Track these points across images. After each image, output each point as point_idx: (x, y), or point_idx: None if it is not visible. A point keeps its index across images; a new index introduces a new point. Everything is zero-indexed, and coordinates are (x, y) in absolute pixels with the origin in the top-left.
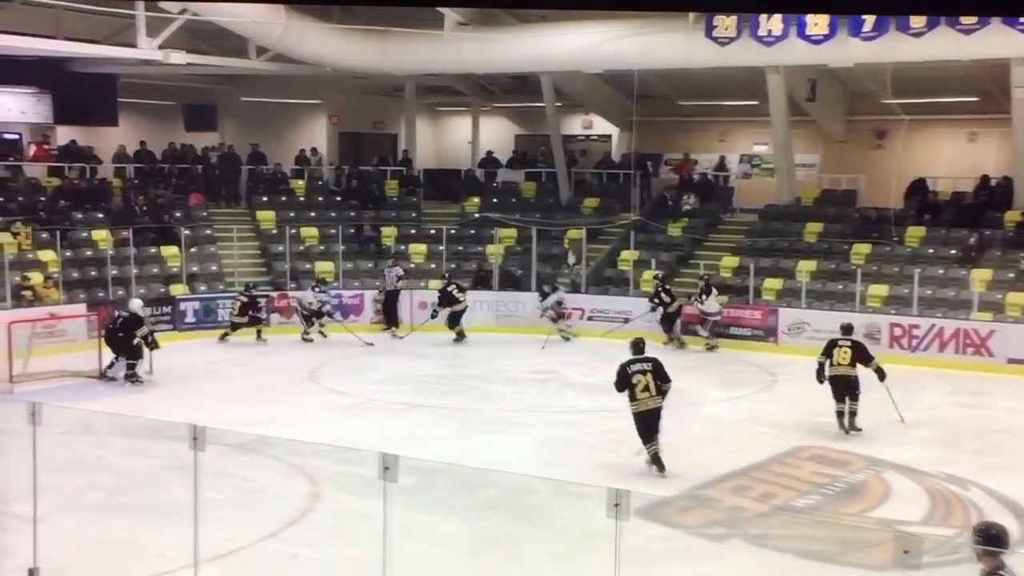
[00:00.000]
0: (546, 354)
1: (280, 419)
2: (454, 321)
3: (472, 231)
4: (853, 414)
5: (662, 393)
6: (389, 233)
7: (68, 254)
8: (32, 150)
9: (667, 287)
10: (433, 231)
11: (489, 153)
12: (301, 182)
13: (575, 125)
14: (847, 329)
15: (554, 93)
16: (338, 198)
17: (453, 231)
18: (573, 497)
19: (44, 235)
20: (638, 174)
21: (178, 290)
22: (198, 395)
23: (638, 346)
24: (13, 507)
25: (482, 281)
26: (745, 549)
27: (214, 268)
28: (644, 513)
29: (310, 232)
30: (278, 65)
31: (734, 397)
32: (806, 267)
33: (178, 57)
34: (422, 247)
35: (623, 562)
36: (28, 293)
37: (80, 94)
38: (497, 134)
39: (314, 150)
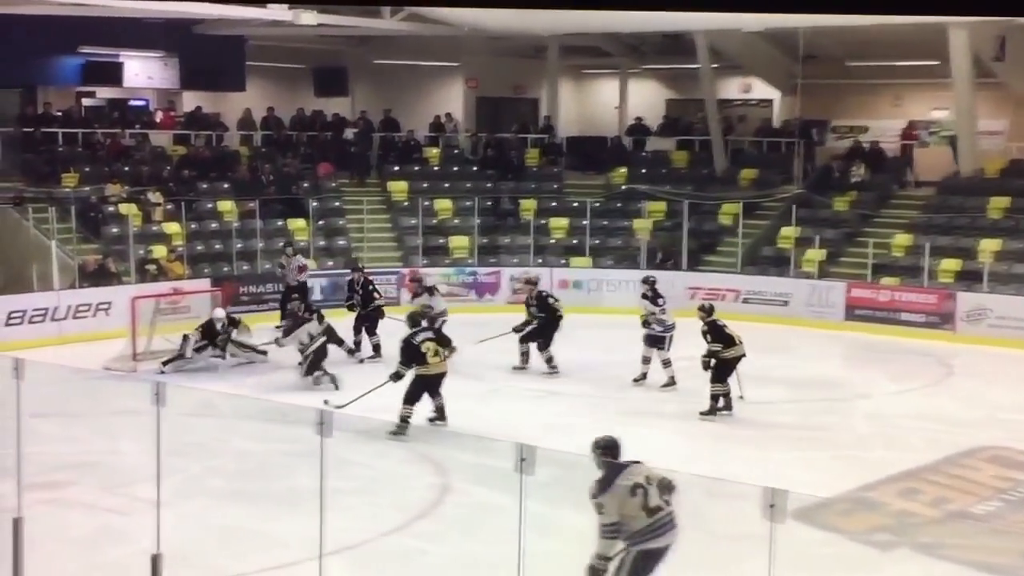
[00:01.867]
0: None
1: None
2: (542, 339)
3: (618, 204)
4: None
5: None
6: (528, 206)
7: (193, 226)
8: (160, 117)
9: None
10: (575, 204)
11: (637, 119)
12: (435, 150)
13: (732, 89)
14: None
15: (710, 53)
16: (474, 168)
17: (597, 204)
18: (723, 496)
19: (169, 206)
20: (801, 143)
21: (309, 264)
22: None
23: (415, 319)
24: (137, 490)
25: (629, 259)
26: (913, 559)
27: (342, 242)
28: (802, 515)
29: (444, 204)
30: (413, 25)
31: (904, 390)
32: (989, 246)
33: (308, 18)
34: (563, 221)
35: (778, 568)
36: (152, 267)
37: (207, 58)
38: (646, 99)
39: (449, 116)
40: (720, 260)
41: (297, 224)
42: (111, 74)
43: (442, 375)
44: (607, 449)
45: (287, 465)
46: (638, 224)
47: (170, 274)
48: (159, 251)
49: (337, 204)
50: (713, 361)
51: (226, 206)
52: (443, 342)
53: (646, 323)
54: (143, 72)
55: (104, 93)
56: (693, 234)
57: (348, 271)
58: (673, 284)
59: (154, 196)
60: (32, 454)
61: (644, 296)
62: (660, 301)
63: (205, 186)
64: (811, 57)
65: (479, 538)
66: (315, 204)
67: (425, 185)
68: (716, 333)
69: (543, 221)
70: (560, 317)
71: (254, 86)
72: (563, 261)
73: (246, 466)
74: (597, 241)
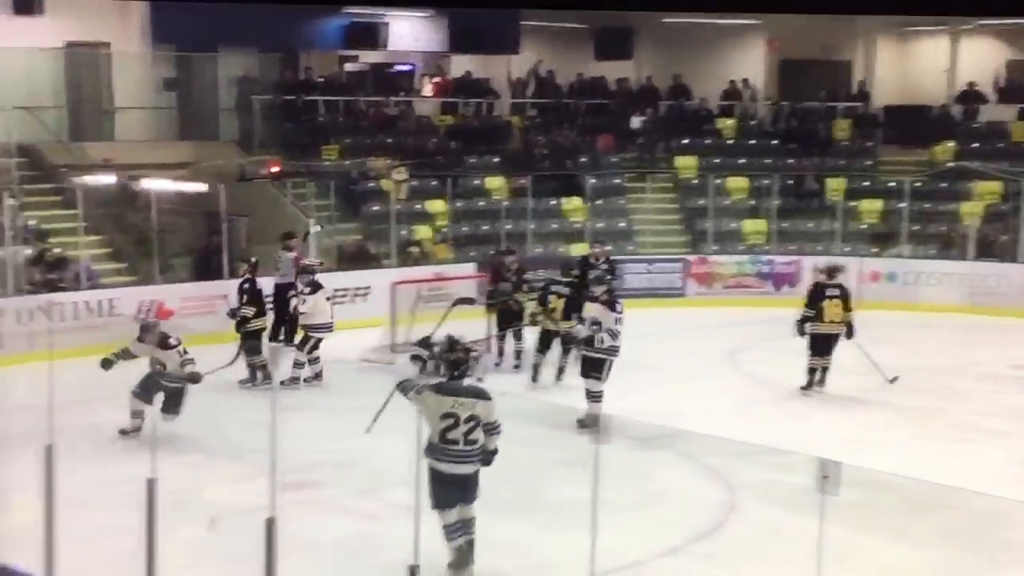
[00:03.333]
0: None
1: (693, 410)
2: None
3: (943, 184)
4: None
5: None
6: (837, 186)
7: (458, 204)
8: (427, 85)
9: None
10: (892, 184)
11: (970, 85)
12: (730, 121)
13: None
14: None
15: None
16: (774, 142)
17: (918, 184)
18: None
19: (434, 182)
20: None
21: (580, 250)
22: None
23: None
24: (391, 495)
25: (953, 249)
26: None
27: (622, 225)
28: None
29: (738, 183)
30: None
31: None
32: None
33: None
34: (876, 203)
35: None
36: (415, 250)
37: (478, 17)
38: (982, 60)
39: (746, 82)
40: None
41: (572, 204)
42: (375, 36)
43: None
44: (455, 364)
45: (556, 473)
46: (966, 208)
47: (432, 257)
48: (422, 232)
49: (617, 182)
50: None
51: (495, 182)
52: None
53: None
54: (409, 34)
55: (367, 58)
56: None
57: (623, 258)
58: (1009, 280)
59: (398, 173)
60: (286, 451)
61: None
62: None
63: (473, 160)
64: None
65: (769, 564)
66: (593, 181)
67: (717, 161)
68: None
69: (853, 203)
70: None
71: (528, 48)
72: (875, 250)
73: (510, 472)
74: (916, 227)
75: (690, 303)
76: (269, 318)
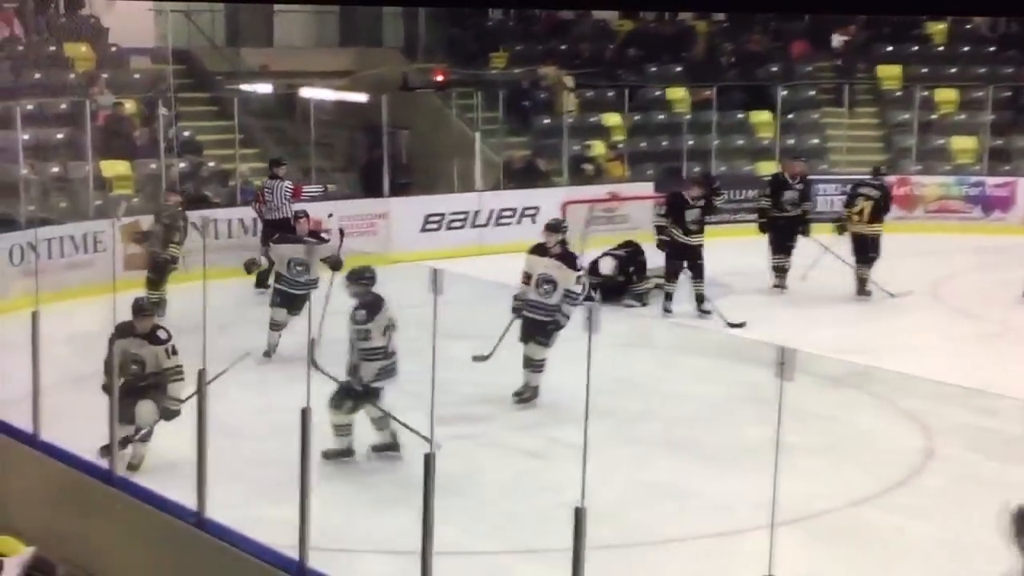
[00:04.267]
0: None
1: (888, 346)
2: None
3: None
4: None
5: None
6: None
7: (636, 118)
8: None
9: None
10: None
11: None
12: (940, 26)
13: None
14: None
15: None
16: (991, 48)
17: None
18: None
19: (610, 93)
20: None
21: (767, 169)
22: (781, 305)
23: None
24: (559, 432)
25: None
26: None
27: (815, 141)
28: None
29: (946, 96)
30: None
31: None
32: None
33: None
34: None
35: None
36: (588, 167)
37: None
38: None
39: None
40: None
41: (760, 118)
42: None
43: None
44: (371, 280)
45: (736, 413)
46: None
47: (607, 175)
48: (597, 148)
49: (811, 94)
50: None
51: (677, 94)
52: None
53: None
54: None
55: None
56: None
57: (816, 178)
58: None
59: (564, 78)
60: (447, 382)
61: None
62: None
63: (654, 69)
64: None
65: (970, 517)
66: (784, 93)
67: (924, 71)
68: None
69: None
70: None
71: None
72: None
73: (686, 412)
74: None
75: (887, 228)
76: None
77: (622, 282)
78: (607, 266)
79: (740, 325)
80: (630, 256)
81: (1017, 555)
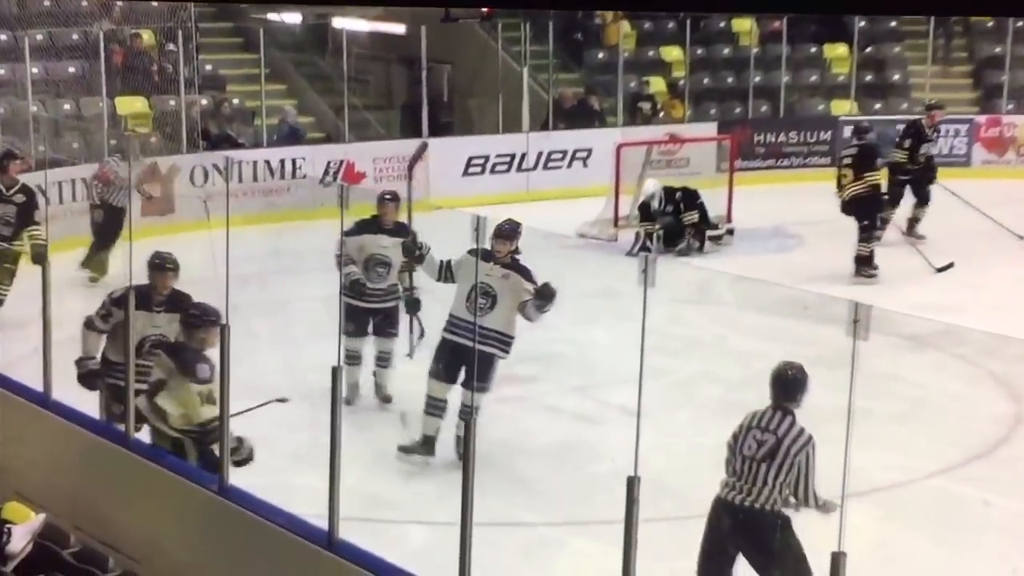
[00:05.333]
0: None
1: (976, 304)
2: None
3: None
4: None
5: None
6: None
7: (698, 52)
8: None
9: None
10: None
11: None
12: None
13: None
14: None
15: None
16: None
17: None
18: None
19: (669, 25)
20: None
21: (842, 109)
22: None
23: None
24: (611, 393)
25: None
26: None
27: (896, 78)
28: None
29: None
30: None
31: None
32: None
33: None
34: None
35: None
36: (646, 106)
37: None
38: None
39: None
40: None
41: (836, 51)
42: None
43: None
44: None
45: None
46: None
47: (667, 115)
48: (656, 84)
49: (893, 25)
50: None
51: (743, 25)
52: None
53: None
54: None
55: None
56: None
57: (895, 118)
58: None
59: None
60: None
61: None
62: None
63: None
64: None
65: None
66: (862, 24)
67: None
68: None
69: None
70: None
71: None
72: None
73: (751, 372)
74: None
75: (976, 173)
76: None
77: (676, 223)
78: (651, 187)
79: (948, 266)
80: (686, 196)
81: None
